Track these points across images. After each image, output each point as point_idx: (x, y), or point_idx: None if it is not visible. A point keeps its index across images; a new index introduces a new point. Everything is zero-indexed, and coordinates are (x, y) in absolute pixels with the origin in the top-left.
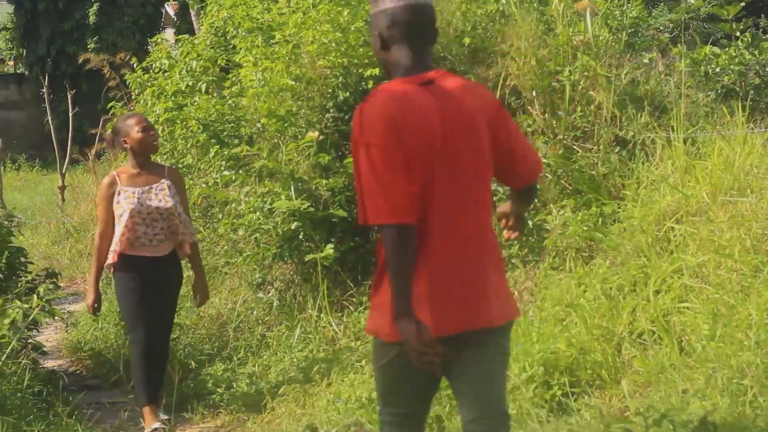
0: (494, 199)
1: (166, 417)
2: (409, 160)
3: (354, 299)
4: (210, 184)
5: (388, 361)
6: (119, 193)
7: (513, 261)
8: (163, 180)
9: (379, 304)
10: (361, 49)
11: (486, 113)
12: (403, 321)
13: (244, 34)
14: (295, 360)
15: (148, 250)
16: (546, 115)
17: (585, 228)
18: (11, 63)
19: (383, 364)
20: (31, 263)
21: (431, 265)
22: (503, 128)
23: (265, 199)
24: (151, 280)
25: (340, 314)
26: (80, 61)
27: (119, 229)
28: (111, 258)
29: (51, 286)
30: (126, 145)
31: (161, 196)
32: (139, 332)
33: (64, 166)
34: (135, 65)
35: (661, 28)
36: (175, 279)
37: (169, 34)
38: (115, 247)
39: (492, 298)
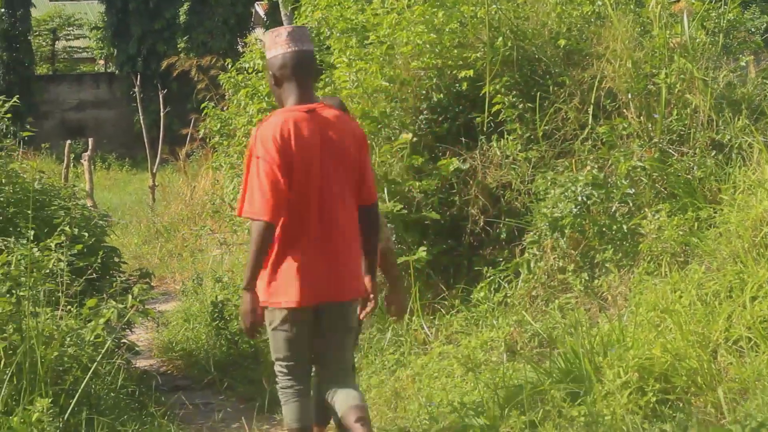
0: None
1: None
2: (289, 171)
3: (446, 302)
4: None
5: (276, 323)
6: None
7: (607, 265)
8: None
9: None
10: (455, 51)
11: (354, 139)
12: (246, 293)
13: (338, 34)
14: (386, 363)
15: None
16: (642, 118)
17: (680, 232)
18: (102, 62)
19: (273, 326)
20: (125, 263)
21: (308, 251)
22: (363, 155)
23: None
24: None
25: (431, 317)
26: (164, 65)
27: None
28: None
29: (145, 287)
30: None
31: None
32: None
33: (155, 166)
34: (229, 65)
35: (753, 29)
36: None
37: (258, 34)
38: None
39: (346, 278)
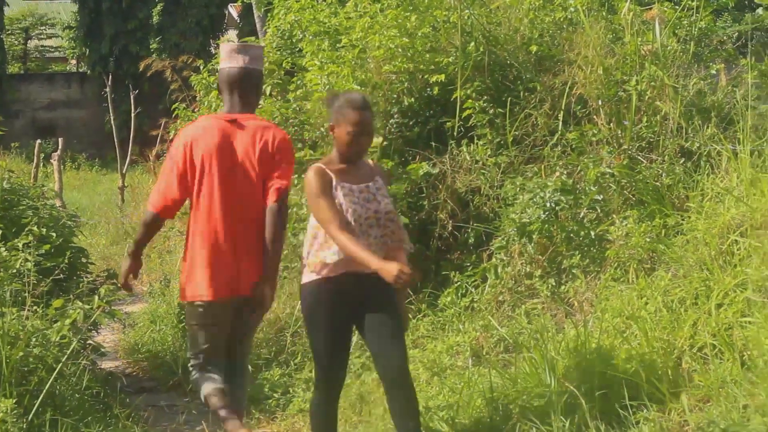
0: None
1: None
2: (192, 174)
3: (413, 306)
4: None
5: (190, 317)
6: (336, 189)
7: (574, 271)
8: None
9: (182, 272)
10: (427, 55)
11: (265, 145)
12: (125, 259)
13: (310, 37)
14: (352, 366)
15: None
16: (611, 124)
17: (648, 239)
18: (74, 62)
19: (188, 322)
20: (93, 264)
21: (212, 248)
22: (275, 160)
23: None
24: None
25: None
26: (142, 67)
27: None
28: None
29: (111, 288)
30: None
31: (379, 196)
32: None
33: (125, 167)
34: (201, 67)
35: (725, 38)
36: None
37: (231, 35)
38: (321, 259)
39: (242, 276)
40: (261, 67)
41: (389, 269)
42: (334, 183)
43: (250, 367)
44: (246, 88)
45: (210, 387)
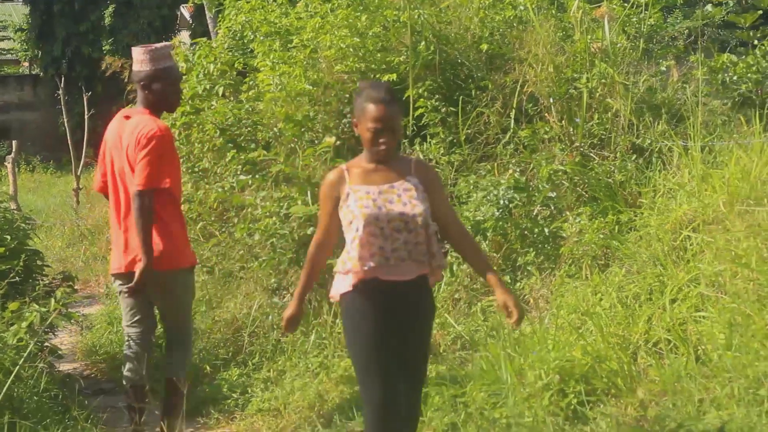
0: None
1: None
2: (102, 161)
3: None
4: (226, 188)
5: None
6: (348, 195)
7: (529, 268)
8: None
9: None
10: (378, 54)
11: (131, 138)
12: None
13: (261, 38)
14: (310, 366)
15: (384, 271)
16: (563, 122)
17: (601, 236)
18: (26, 64)
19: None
20: (48, 266)
21: (114, 227)
22: (136, 151)
23: (281, 204)
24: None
25: None
26: (103, 66)
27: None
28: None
29: (68, 290)
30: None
31: (406, 198)
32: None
33: (79, 169)
34: None
35: (676, 35)
36: (426, 313)
37: (184, 36)
38: (346, 266)
39: (125, 252)
40: (147, 68)
41: (286, 316)
42: (347, 188)
43: (208, 367)
44: (142, 86)
45: None
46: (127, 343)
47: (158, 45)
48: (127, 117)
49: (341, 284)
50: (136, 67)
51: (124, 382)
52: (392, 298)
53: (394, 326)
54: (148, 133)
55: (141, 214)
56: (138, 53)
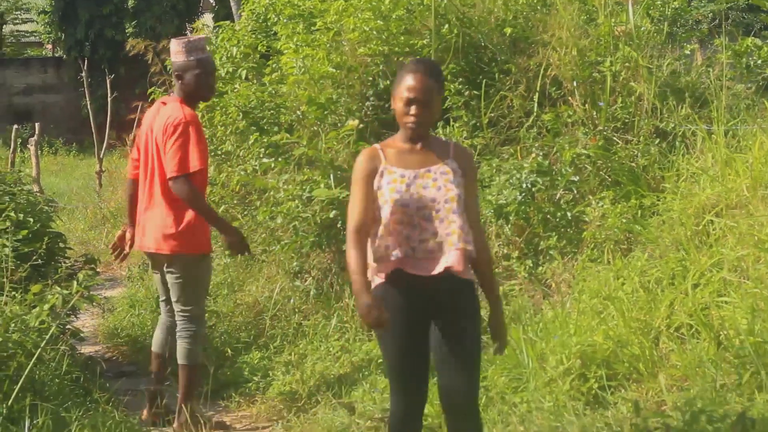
0: None
1: None
2: (139, 147)
3: None
4: (249, 171)
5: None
6: (383, 173)
7: (551, 252)
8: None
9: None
10: (402, 38)
11: (161, 125)
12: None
13: (285, 20)
14: (331, 349)
15: (411, 264)
16: (586, 106)
17: (624, 220)
18: (50, 47)
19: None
20: (71, 249)
21: (141, 210)
22: (165, 139)
23: (304, 187)
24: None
25: None
26: (127, 48)
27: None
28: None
29: (90, 272)
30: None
31: (441, 181)
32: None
33: (102, 151)
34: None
35: (701, 18)
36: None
37: (207, 19)
38: (375, 255)
39: (151, 233)
40: (181, 58)
41: (362, 313)
42: (381, 167)
43: (229, 350)
44: (175, 76)
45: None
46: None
47: (194, 37)
48: (164, 103)
49: (374, 275)
50: (172, 58)
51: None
52: (421, 295)
53: (425, 327)
54: (174, 121)
55: (188, 199)
56: (174, 45)
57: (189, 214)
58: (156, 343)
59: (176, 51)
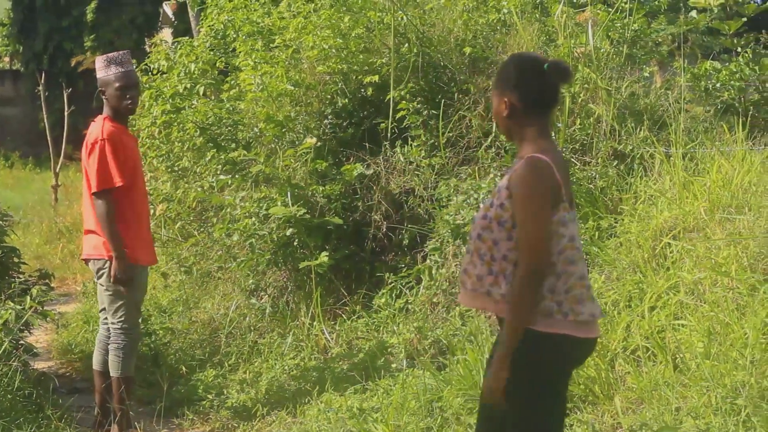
0: None
1: None
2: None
3: (347, 308)
4: (206, 188)
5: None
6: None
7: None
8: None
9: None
10: (361, 56)
11: (87, 142)
12: None
13: (244, 37)
14: (286, 368)
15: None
16: None
17: (581, 242)
18: (7, 59)
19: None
20: (25, 263)
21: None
22: (87, 155)
23: (260, 205)
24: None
25: (333, 322)
26: (73, 63)
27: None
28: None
29: (44, 288)
30: None
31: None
32: None
33: (58, 165)
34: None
35: (660, 41)
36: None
37: (166, 33)
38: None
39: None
40: (102, 74)
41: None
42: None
43: (183, 367)
44: (99, 92)
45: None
46: None
47: (112, 54)
48: (94, 121)
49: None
50: (97, 75)
51: None
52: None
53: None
54: (92, 138)
55: (100, 215)
56: (97, 61)
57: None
58: (95, 360)
59: (98, 67)
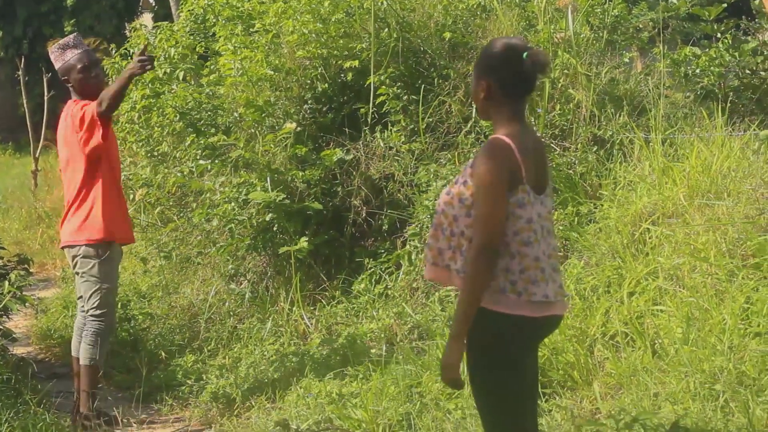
0: None
1: None
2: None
3: (326, 293)
4: (185, 173)
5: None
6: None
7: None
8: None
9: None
10: (341, 41)
11: (69, 121)
12: None
13: (223, 22)
14: (265, 353)
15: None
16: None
17: (561, 227)
18: None
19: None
20: (4, 249)
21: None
22: (70, 133)
23: (240, 190)
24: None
25: (312, 308)
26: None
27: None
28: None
29: (23, 273)
30: None
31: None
32: None
33: (38, 151)
34: (113, 50)
35: (641, 26)
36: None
37: (146, 18)
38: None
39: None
40: (59, 63)
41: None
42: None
43: (163, 353)
44: (62, 81)
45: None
46: None
47: (63, 40)
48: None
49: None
50: (55, 66)
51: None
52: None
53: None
54: (78, 114)
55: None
56: (51, 52)
57: (88, 205)
58: (74, 347)
59: (54, 57)
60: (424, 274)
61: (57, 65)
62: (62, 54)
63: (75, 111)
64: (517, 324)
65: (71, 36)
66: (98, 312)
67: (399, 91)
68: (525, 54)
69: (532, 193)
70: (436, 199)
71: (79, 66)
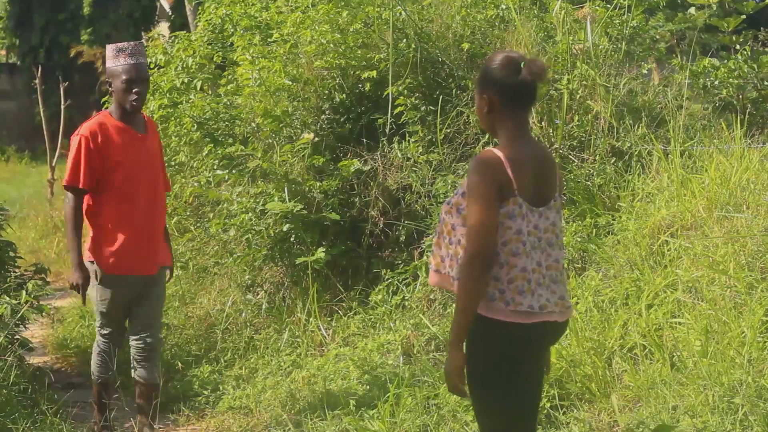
0: None
1: None
2: None
3: (344, 304)
4: (202, 183)
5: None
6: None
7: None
8: None
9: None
10: (359, 51)
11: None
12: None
13: (241, 31)
14: (282, 364)
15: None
16: (543, 123)
17: (578, 239)
18: (3, 52)
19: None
20: (20, 258)
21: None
22: None
23: (257, 200)
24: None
25: (329, 318)
26: (72, 54)
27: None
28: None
29: (40, 282)
30: None
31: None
32: None
33: (54, 159)
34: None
35: (658, 37)
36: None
37: (163, 27)
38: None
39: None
40: (109, 64)
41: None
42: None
43: (179, 363)
44: (107, 83)
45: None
46: None
47: (123, 43)
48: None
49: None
50: (106, 65)
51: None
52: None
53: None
54: (74, 132)
55: (65, 212)
56: (107, 50)
57: (94, 229)
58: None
59: (108, 56)
60: (429, 279)
61: (107, 65)
62: (116, 57)
63: (76, 131)
64: (508, 330)
65: (133, 42)
66: (101, 330)
67: (417, 101)
68: (522, 63)
69: (525, 205)
70: None
71: (124, 77)
